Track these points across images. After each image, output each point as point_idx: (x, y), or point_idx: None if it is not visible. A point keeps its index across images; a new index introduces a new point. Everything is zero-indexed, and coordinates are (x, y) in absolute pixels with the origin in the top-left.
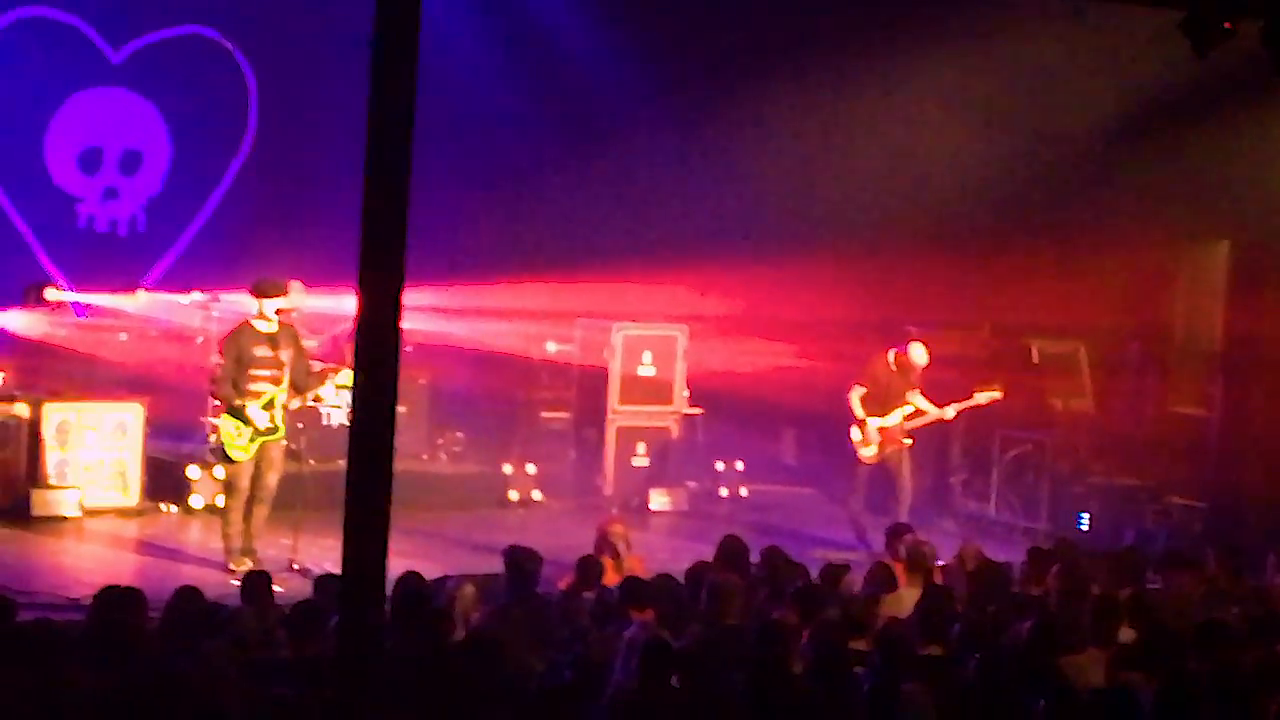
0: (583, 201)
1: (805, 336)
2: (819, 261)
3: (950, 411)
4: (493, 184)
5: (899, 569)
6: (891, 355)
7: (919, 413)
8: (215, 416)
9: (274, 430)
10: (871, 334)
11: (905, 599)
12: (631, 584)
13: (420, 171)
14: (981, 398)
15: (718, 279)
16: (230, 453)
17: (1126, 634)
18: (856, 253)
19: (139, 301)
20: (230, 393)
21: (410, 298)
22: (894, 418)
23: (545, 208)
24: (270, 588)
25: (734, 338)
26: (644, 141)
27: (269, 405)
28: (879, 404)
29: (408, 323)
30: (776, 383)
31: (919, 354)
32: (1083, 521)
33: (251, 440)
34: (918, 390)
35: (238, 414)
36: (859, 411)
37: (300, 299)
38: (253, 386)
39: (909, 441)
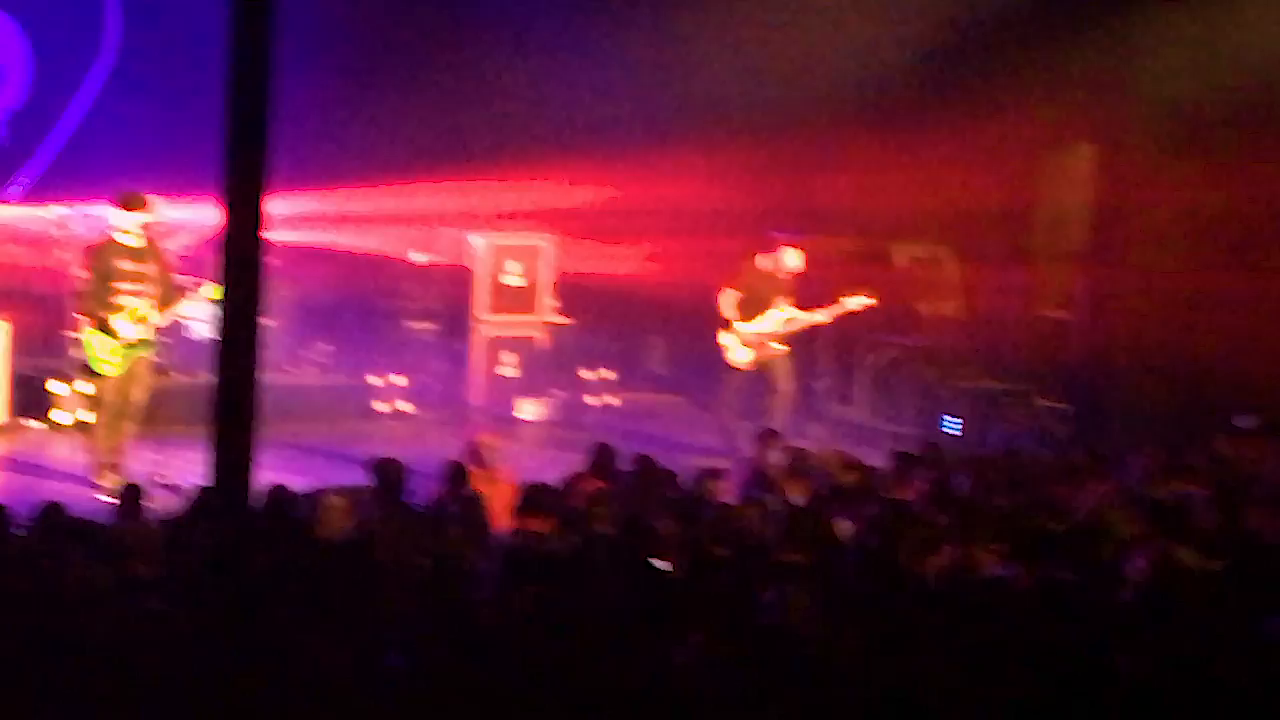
0: (446, 100)
1: (672, 240)
2: (687, 165)
3: (822, 315)
4: (352, 87)
5: (772, 475)
6: (765, 260)
7: (791, 318)
8: (82, 332)
9: (144, 344)
10: (737, 240)
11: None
12: (534, 491)
13: (282, 76)
14: (853, 303)
15: (585, 177)
16: (99, 367)
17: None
18: (720, 159)
19: (0, 217)
20: (98, 307)
21: (274, 207)
22: (766, 322)
23: (407, 109)
24: (140, 502)
25: (601, 242)
26: (509, 35)
27: (138, 318)
28: (750, 309)
29: (272, 234)
30: (645, 290)
31: (793, 259)
32: (949, 425)
33: (120, 355)
34: (789, 296)
35: (106, 328)
36: (730, 314)
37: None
38: (119, 300)
39: (782, 348)
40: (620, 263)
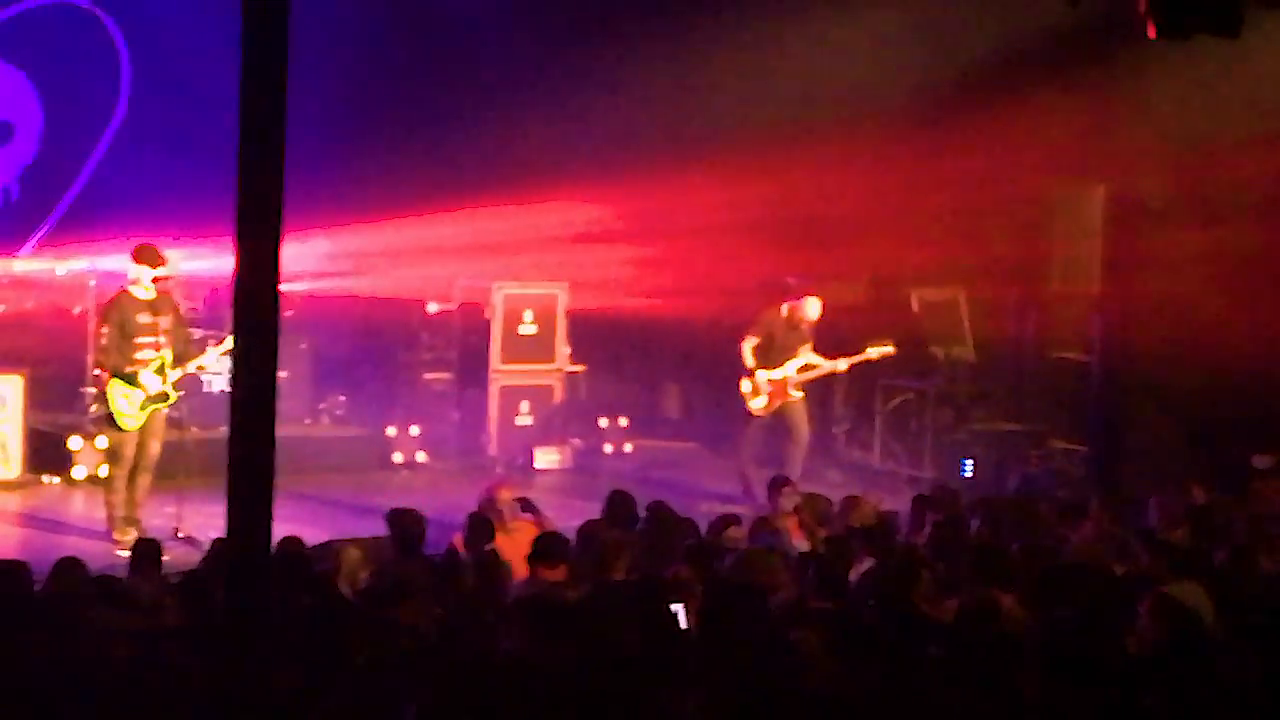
0: (457, 132)
1: (688, 291)
2: (703, 209)
3: (843, 364)
4: (364, 123)
5: (785, 521)
6: (785, 308)
7: (811, 366)
8: (101, 386)
9: (167, 396)
10: (755, 288)
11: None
12: (546, 540)
13: (293, 121)
14: (873, 352)
15: (600, 206)
16: (120, 421)
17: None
18: (733, 205)
19: (14, 272)
20: (119, 361)
21: (290, 253)
22: (785, 370)
23: (419, 142)
24: (159, 556)
25: (615, 284)
26: (522, 62)
27: (160, 370)
28: (770, 356)
29: (288, 284)
30: (660, 335)
31: (813, 308)
32: (966, 468)
33: (142, 408)
34: (810, 343)
35: (130, 380)
36: (750, 362)
37: (179, 267)
38: (138, 355)
39: (800, 394)
40: (635, 304)
